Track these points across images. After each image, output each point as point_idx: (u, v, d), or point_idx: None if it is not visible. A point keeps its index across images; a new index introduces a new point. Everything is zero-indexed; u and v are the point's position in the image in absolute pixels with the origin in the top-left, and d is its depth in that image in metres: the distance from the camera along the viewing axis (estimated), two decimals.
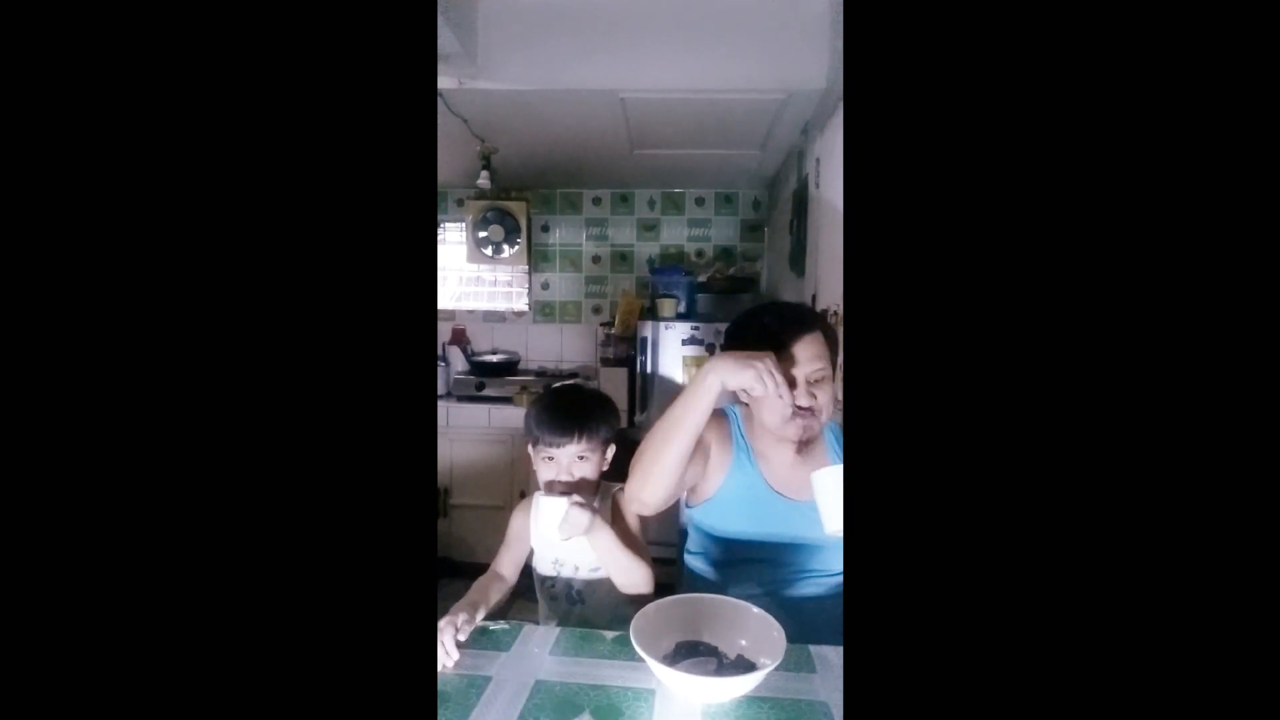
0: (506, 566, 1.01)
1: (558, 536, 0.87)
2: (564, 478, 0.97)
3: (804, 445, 0.96)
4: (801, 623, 0.81)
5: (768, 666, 0.68)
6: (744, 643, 0.76)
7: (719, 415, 1.06)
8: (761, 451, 1.01)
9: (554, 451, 0.97)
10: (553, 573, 1.01)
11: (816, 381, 0.92)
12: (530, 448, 1.01)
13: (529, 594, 1.05)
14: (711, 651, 0.76)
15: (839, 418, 1.05)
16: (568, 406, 1.00)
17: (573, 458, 0.97)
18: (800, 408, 0.91)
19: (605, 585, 0.97)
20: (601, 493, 1.02)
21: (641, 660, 0.69)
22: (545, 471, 0.99)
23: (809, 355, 0.91)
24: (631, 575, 0.92)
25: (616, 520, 0.99)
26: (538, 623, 0.98)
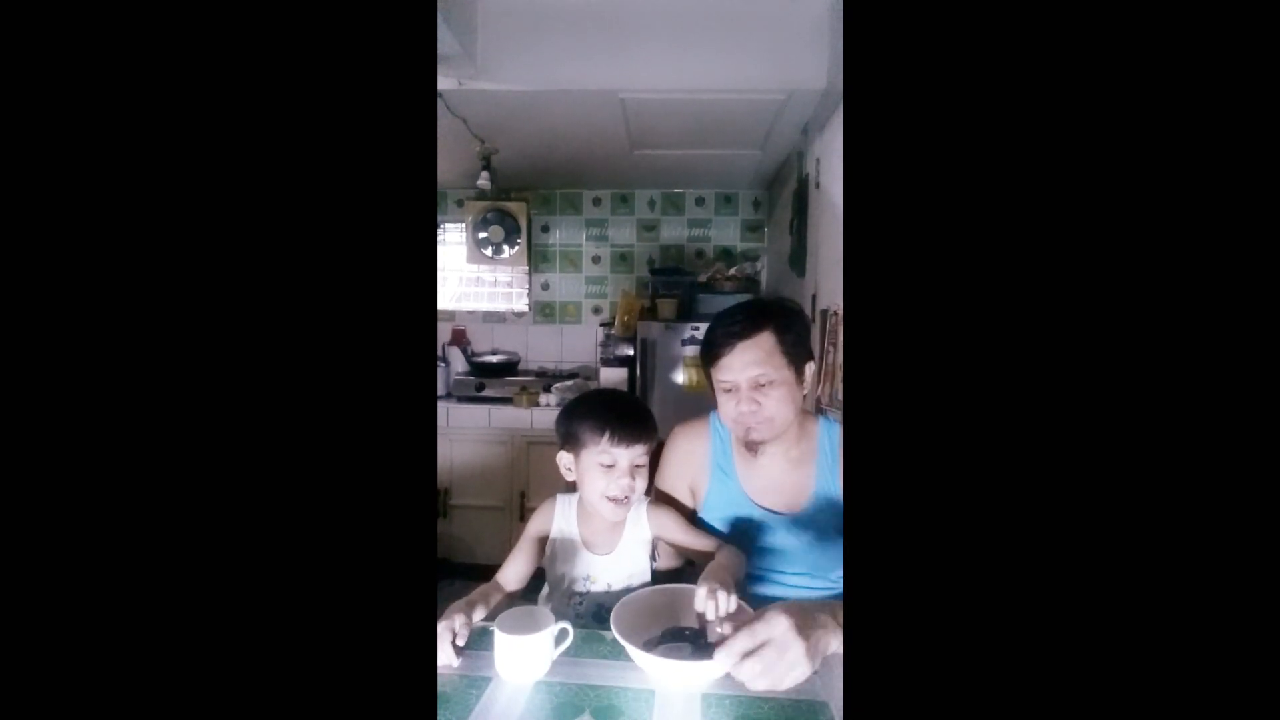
0: (511, 579, 0.94)
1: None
2: (622, 482, 0.89)
3: (754, 446, 0.95)
4: None
5: None
6: (723, 629, 0.77)
7: (700, 427, 1.06)
8: (747, 462, 1.00)
9: (619, 454, 0.89)
10: (582, 589, 0.94)
11: (760, 387, 0.91)
12: (573, 452, 0.93)
13: (529, 599, 1.03)
14: (695, 636, 0.77)
15: (838, 415, 1.05)
16: (630, 406, 0.95)
17: (634, 463, 0.90)
18: (742, 413, 0.92)
19: None
20: (636, 506, 0.97)
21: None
22: (598, 480, 0.90)
23: (744, 363, 0.91)
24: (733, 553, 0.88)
25: (664, 522, 0.95)
26: None
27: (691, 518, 1.03)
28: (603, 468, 0.89)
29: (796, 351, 0.94)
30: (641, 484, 0.92)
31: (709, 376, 0.98)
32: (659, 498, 1.05)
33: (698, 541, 0.93)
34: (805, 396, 0.98)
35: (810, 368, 0.97)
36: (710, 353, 0.95)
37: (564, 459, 0.95)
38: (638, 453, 0.90)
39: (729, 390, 0.94)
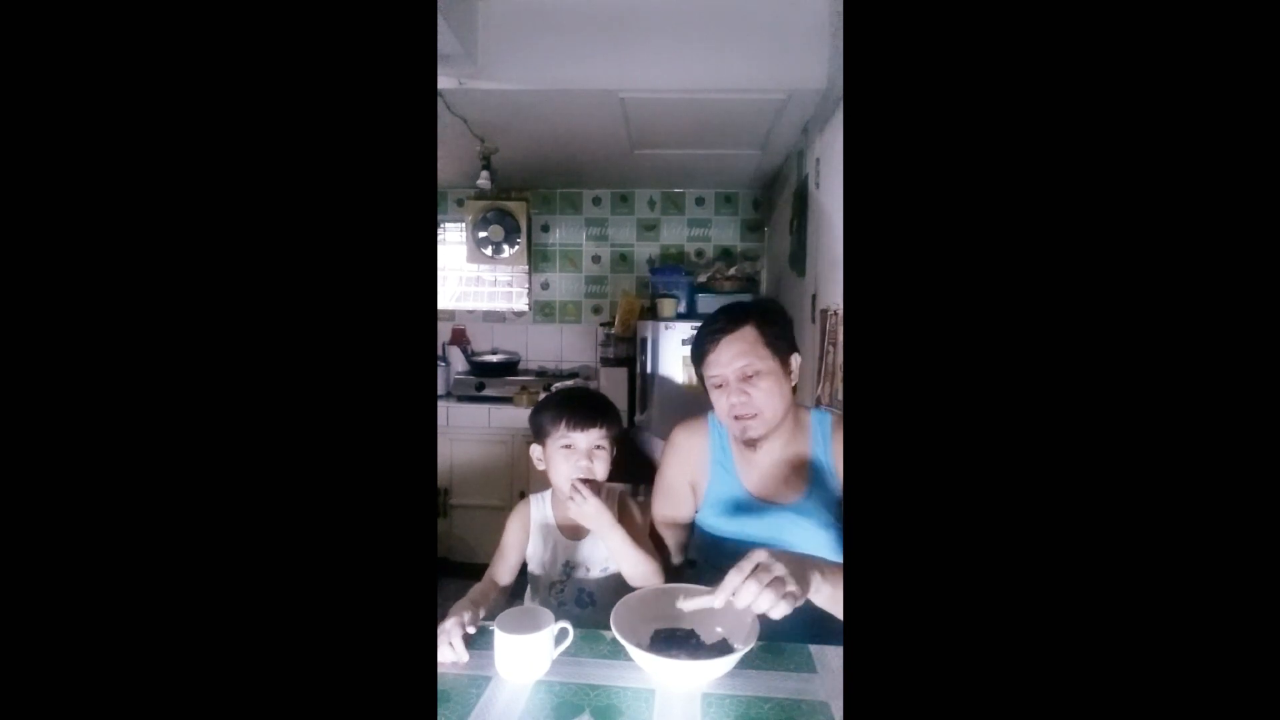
0: (503, 574, 1.00)
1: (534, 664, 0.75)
2: (580, 464, 0.96)
3: (753, 443, 0.99)
4: (774, 623, 0.81)
5: (741, 650, 0.70)
6: (720, 629, 0.79)
7: (699, 425, 1.10)
8: (745, 457, 1.03)
9: (576, 437, 0.96)
10: (562, 576, 0.99)
11: (749, 378, 0.95)
12: (541, 443, 1.00)
13: (521, 598, 1.04)
14: (690, 636, 0.78)
15: (835, 410, 1.05)
16: (586, 396, 1.03)
17: (592, 446, 0.97)
18: (736, 415, 0.96)
19: (615, 583, 0.97)
20: (607, 495, 1.02)
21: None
22: (562, 464, 0.97)
23: (730, 355, 0.96)
24: (641, 568, 0.93)
25: (625, 519, 1.00)
26: None
27: (687, 524, 1.08)
28: (564, 450, 0.97)
29: (780, 344, 0.98)
30: (601, 468, 0.98)
31: (700, 378, 1.02)
32: (657, 495, 1.09)
33: (639, 546, 0.95)
34: (795, 389, 1.02)
35: (796, 360, 1.01)
36: (698, 352, 1.00)
37: (535, 451, 1.03)
38: (594, 436, 0.97)
39: (719, 386, 0.98)
